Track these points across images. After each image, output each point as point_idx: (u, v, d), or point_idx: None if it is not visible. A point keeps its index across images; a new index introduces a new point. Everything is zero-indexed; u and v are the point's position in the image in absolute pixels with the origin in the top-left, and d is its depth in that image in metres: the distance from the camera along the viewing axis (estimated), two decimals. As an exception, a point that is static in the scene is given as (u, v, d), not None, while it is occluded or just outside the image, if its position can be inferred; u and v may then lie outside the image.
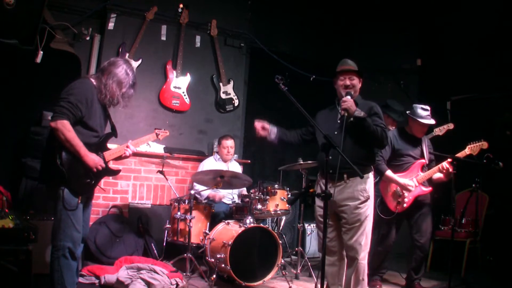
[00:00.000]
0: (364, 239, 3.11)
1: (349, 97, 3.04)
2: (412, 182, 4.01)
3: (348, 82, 3.16)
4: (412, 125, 4.12)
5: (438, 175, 4.11)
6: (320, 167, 3.30)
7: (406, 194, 4.01)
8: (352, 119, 2.99)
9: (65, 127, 2.72)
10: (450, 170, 3.91)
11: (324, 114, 3.37)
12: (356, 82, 3.19)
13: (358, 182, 3.09)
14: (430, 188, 4.10)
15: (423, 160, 4.11)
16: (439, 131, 4.36)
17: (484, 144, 4.02)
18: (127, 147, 3.15)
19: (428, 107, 4.10)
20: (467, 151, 4.03)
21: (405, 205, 4.02)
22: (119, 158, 3.14)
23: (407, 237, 4.27)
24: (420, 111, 4.07)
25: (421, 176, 4.05)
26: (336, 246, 3.23)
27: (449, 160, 3.95)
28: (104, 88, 2.93)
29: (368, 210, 3.13)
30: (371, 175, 3.21)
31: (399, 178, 4.00)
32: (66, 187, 2.77)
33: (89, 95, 2.87)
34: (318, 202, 3.23)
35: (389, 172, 3.98)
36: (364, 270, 3.14)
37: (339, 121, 3.13)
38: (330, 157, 2.95)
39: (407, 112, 4.15)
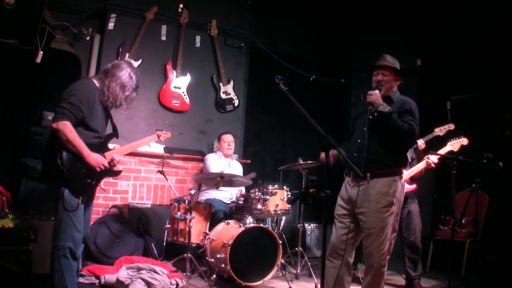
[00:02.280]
0: (386, 246, 2.94)
1: (377, 91, 2.96)
2: None
3: (380, 78, 3.07)
4: None
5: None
6: (346, 166, 3.14)
7: None
8: (376, 113, 2.90)
9: (67, 128, 2.72)
10: (436, 161, 4.03)
11: (361, 109, 3.25)
12: (390, 79, 3.07)
13: (383, 185, 2.92)
14: (414, 186, 4.12)
15: None
16: (439, 131, 4.35)
17: (464, 141, 4.12)
18: (113, 159, 3.02)
19: None
20: (448, 147, 4.11)
21: None
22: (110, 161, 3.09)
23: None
24: None
25: (405, 174, 4.06)
26: (344, 249, 3.01)
27: (439, 155, 4.05)
28: (107, 91, 2.93)
29: (390, 217, 2.94)
30: (398, 179, 2.99)
31: None
32: (67, 187, 2.77)
33: (90, 96, 2.87)
34: (340, 201, 3.12)
35: None
36: (383, 277, 2.98)
37: (370, 117, 2.98)
38: (355, 154, 2.91)
39: None
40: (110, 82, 2.95)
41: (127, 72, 3.00)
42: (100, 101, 2.94)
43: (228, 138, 5.07)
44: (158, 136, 3.54)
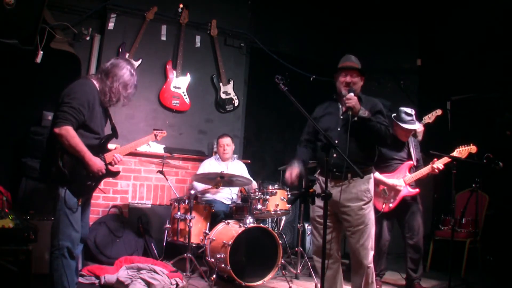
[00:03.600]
0: (370, 242, 3.04)
1: (352, 94, 2.95)
2: (401, 182, 4.02)
3: (349, 79, 3.06)
4: (396, 129, 4.08)
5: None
6: (320, 166, 3.22)
7: (392, 194, 4.03)
8: (356, 118, 2.92)
9: (69, 133, 2.71)
10: (441, 168, 3.97)
11: (323, 110, 3.25)
12: (358, 80, 3.09)
13: (361, 183, 3.03)
14: (417, 190, 4.09)
15: (411, 162, 4.11)
16: (428, 119, 4.33)
17: (473, 149, 4.02)
18: (114, 159, 3.05)
19: (412, 112, 4.06)
20: (455, 154, 4.03)
21: (391, 205, 4.04)
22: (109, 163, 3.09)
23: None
24: (404, 116, 4.02)
25: (409, 177, 4.04)
26: (332, 248, 3.08)
27: (445, 160, 3.96)
28: (109, 91, 2.92)
29: (371, 213, 3.08)
30: (372, 176, 3.15)
31: (387, 179, 4.01)
32: (67, 187, 2.77)
33: (90, 98, 2.85)
34: (318, 202, 3.09)
35: (376, 174, 3.94)
36: (372, 273, 3.08)
37: (341, 117, 3.06)
38: (335, 155, 2.92)
39: (393, 115, 4.09)
40: (112, 82, 2.92)
41: (127, 70, 2.99)
42: (100, 102, 2.93)
43: (224, 142, 4.97)
44: (156, 136, 3.59)
